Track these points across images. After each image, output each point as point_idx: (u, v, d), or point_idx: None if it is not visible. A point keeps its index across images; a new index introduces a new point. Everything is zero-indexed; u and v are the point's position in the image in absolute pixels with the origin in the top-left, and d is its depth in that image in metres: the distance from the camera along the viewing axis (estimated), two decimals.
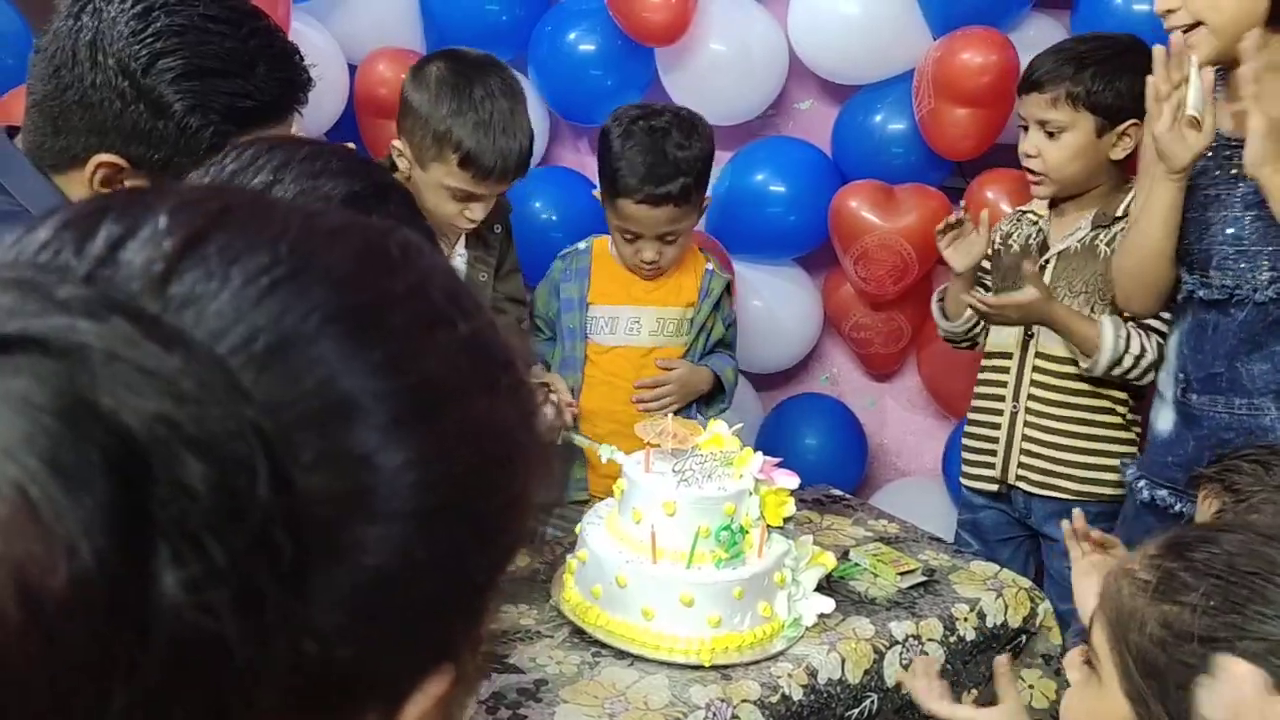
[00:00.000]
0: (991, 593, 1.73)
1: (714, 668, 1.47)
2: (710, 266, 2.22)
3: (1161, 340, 1.98)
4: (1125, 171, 2.07)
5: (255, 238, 0.39)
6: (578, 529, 1.63)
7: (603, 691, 1.44)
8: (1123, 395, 2.09)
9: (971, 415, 2.25)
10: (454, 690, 0.42)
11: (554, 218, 2.64)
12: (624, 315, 2.15)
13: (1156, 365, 1.98)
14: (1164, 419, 1.91)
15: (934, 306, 2.29)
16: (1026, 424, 2.13)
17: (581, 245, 2.20)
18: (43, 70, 1.10)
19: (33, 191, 1.10)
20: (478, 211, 1.92)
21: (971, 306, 2.10)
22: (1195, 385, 1.83)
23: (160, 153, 1.08)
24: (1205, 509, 1.35)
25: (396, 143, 1.94)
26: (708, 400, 2.23)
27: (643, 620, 1.49)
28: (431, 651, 0.41)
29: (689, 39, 2.53)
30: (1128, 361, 1.98)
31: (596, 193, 2.14)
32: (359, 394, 0.37)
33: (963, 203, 2.39)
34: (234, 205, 0.41)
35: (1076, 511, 1.55)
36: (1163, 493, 1.88)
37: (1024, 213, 2.21)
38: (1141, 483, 1.92)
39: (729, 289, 2.25)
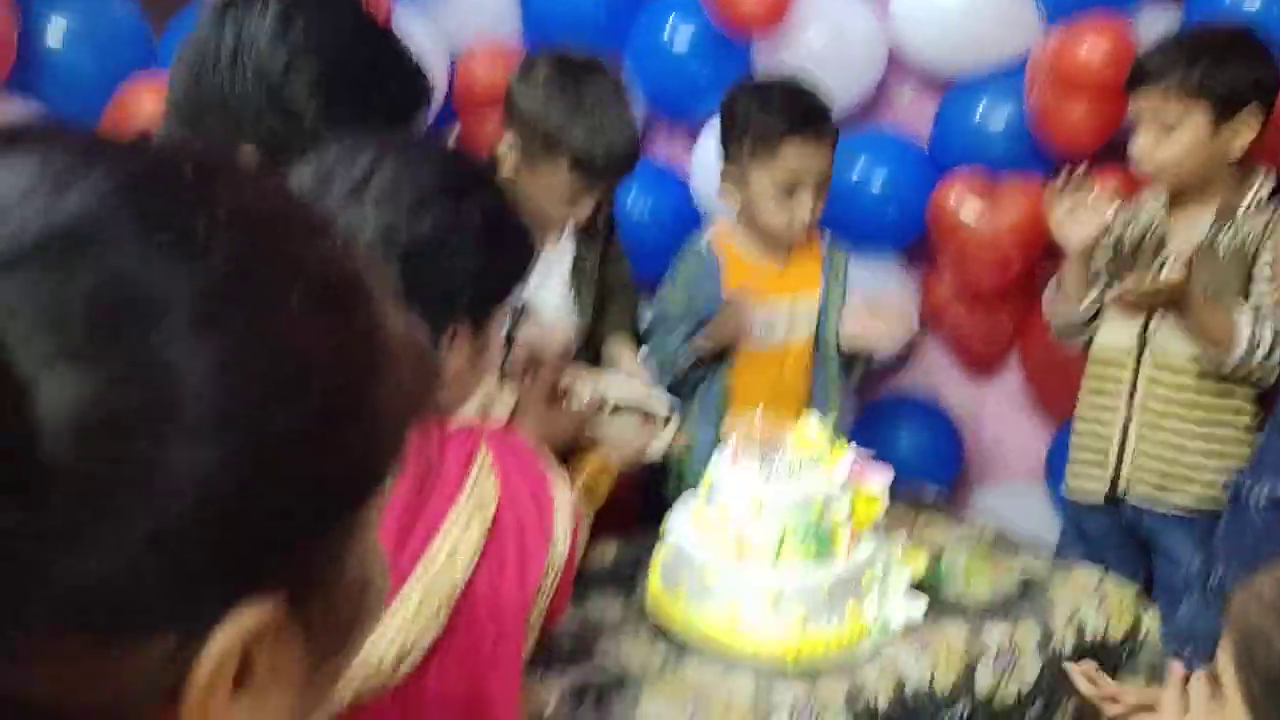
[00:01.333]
0: (1094, 599, 1.66)
1: (799, 669, 1.44)
2: (826, 241, 2.18)
3: None
4: (1247, 162, 1.97)
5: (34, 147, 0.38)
6: (664, 525, 1.62)
7: (685, 689, 1.42)
8: (1252, 396, 1.96)
9: (1079, 423, 2.14)
10: (290, 630, 0.39)
11: (647, 214, 2.63)
12: (760, 315, 2.09)
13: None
14: None
15: (1047, 298, 2.15)
16: (1141, 433, 2.02)
17: (701, 245, 2.13)
18: (184, 74, 1.17)
19: None
20: (588, 208, 1.93)
21: (1117, 299, 1.95)
22: None
23: (287, 156, 1.14)
24: None
25: (503, 145, 1.94)
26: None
27: (727, 618, 1.47)
28: (237, 576, 0.38)
29: (785, 30, 2.49)
30: (1259, 354, 1.88)
31: (725, 185, 2.08)
32: (153, 288, 0.35)
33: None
34: (28, 129, 0.39)
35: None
36: None
37: (1141, 204, 2.11)
38: None
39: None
